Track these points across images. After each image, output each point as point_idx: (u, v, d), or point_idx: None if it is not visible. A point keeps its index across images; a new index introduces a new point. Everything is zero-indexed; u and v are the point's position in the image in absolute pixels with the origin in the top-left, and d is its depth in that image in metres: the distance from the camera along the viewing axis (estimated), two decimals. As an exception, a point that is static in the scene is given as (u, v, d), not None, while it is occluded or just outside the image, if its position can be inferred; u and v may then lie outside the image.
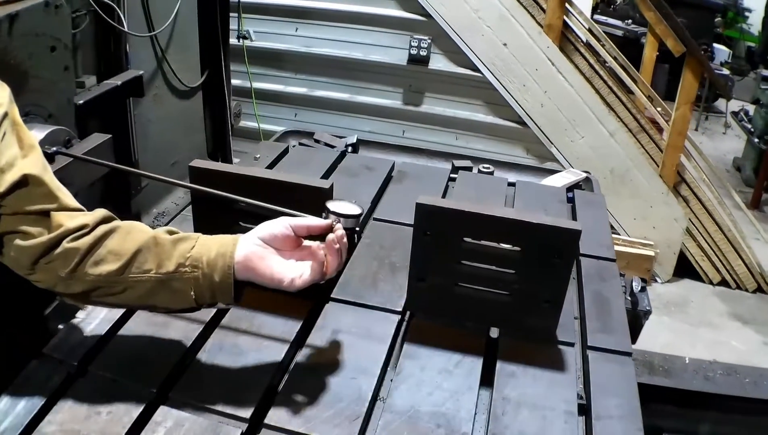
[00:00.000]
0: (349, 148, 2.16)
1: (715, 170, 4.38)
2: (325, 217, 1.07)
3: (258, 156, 1.93)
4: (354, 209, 1.09)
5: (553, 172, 2.17)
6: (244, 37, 4.13)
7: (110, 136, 1.88)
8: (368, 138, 2.29)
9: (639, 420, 1.10)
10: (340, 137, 2.22)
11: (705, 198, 4.26)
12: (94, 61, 2.28)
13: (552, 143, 4.17)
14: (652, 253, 4.10)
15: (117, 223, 1.05)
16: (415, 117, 4.48)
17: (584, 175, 2.13)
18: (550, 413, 1.09)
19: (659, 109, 4.23)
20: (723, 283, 4.39)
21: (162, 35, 2.58)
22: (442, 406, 1.09)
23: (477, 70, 4.15)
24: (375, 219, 1.67)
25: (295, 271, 1.03)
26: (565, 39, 4.06)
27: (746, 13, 8.77)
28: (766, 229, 4.78)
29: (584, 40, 4.17)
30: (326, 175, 1.86)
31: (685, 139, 4.07)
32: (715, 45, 8.07)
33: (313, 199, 1.25)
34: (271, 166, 1.89)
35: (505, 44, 4.03)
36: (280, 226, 1.04)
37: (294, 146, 2.10)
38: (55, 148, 1.56)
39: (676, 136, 4.02)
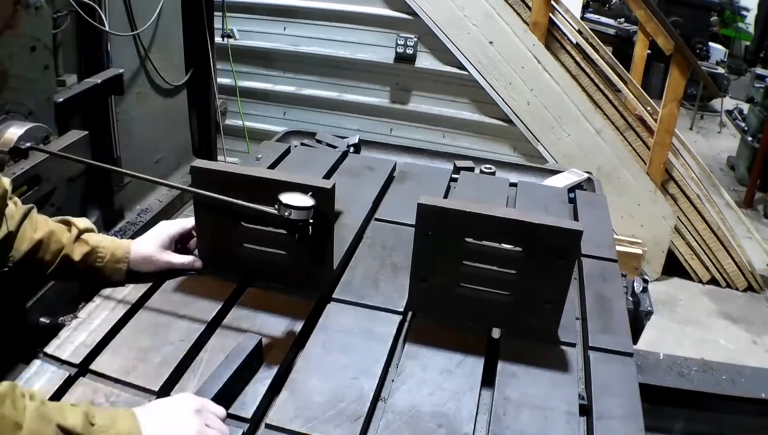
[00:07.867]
0: (351, 149, 2.15)
1: (704, 168, 4.32)
2: (278, 210, 1.14)
3: (260, 156, 1.93)
4: (306, 202, 1.15)
5: (554, 172, 2.17)
6: (229, 36, 4.19)
7: (86, 133, 1.91)
8: (366, 138, 2.28)
9: (640, 420, 1.10)
10: (342, 137, 2.22)
11: (693, 196, 4.23)
12: (75, 59, 2.31)
13: (538, 141, 4.15)
14: (639, 252, 4.07)
15: None
16: (402, 115, 4.48)
17: (586, 175, 2.12)
18: (552, 413, 1.09)
19: (648, 107, 4.21)
20: (713, 281, 4.33)
21: (144, 34, 2.59)
22: (443, 406, 1.09)
23: (463, 68, 4.14)
24: (377, 219, 1.67)
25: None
26: (551, 37, 4.04)
27: (744, 12, 8.75)
28: (758, 228, 4.73)
29: (570, 39, 4.15)
30: (328, 176, 1.86)
31: (672, 137, 4.04)
32: (711, 44, 8.06)
33: (315, 200, 1.25)
34: (272, 166, 1.89)
35: (491, 42, 4.02)
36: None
37: (296, 146, 2.10)
38: (29, 144, 1.57)
39: (663, 133, 4.00)
